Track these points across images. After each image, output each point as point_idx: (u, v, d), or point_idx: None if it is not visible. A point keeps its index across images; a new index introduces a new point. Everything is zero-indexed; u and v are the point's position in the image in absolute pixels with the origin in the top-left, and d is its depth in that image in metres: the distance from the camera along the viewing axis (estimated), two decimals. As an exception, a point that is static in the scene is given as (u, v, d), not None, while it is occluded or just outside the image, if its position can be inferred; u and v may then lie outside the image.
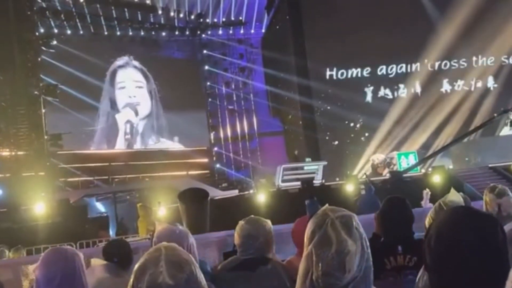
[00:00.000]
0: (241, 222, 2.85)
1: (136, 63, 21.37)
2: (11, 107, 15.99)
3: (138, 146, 21.18)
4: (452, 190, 3.06)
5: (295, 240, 3.07)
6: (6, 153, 15.95)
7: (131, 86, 21.26)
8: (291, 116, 21.98)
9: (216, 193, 14.55)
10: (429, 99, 20.12)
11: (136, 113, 20.80)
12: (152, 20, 22.03)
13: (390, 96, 20.57)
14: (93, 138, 20.42)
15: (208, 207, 4.64)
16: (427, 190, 7.12)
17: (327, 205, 1.71)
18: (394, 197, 3.06)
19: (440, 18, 19.69)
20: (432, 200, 7.11)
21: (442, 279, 1.34)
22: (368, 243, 1.67)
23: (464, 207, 1.43)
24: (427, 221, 3.00)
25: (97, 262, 3.00)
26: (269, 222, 2.90)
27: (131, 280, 1.50)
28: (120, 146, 20.63)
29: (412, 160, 15.82)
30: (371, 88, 20.56)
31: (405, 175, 14.24)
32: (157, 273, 1.44)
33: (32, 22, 16.96)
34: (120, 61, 21.16)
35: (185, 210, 4.33)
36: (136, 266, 1.52)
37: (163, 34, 22.40)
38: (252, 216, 2.94)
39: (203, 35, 23.20)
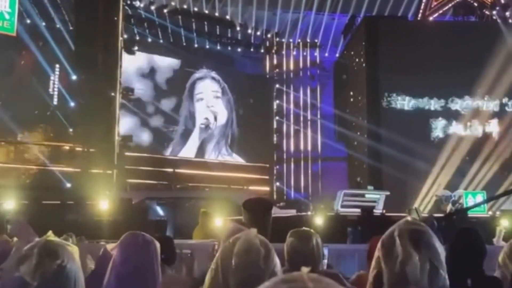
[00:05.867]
0: (288, 239, 2.80)
1: (213, 73, 21.93)
2: (88, 106, 16.78)
3: (209, 152, 21.53)
4: (530, 228, 2.92)
5: (370, 257, 2.97)
6: (79, 149, 16.73)
7: (210, 97, 21.83)
8: (357, 142, 21.71)
9: (274, 211, 14.53)
10: (504, 138, 19.34)
11: (215, 119, 21.28)
12: (229, 35, 22.57)
13: (462, 133, 19.91)
14: (165, 143, 20.96)
15: (271, 219, 4.65)
16: (501, 227, 6.81)
17: (408, 218, 1.71)
18: (468, 229, 2.97)
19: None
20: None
21: None
22: (444, 264, 1.64)
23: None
24: (500, 258, 2.88)
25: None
26: (317, 236, 2.84)
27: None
28: (193, 143, 21.01)
29: (480, 200, 15.17)
30: (443, 122, 19.99)
31: (470, 215, 13.68)
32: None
33: (117, 28, 17.80)
34: (198, 74, 21.79)
35: (249, 218, 4.36)
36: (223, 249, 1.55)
37: (239, 49, 22.86)
38: (299, 230, 2.88)
39: (278, 54, 23.49)
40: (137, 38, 20.75)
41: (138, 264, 2.15)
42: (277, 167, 22.92)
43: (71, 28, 18.00)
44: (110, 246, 2.28)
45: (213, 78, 22.02)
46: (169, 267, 3.02)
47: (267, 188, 21.58)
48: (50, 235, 1.63)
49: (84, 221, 12.64)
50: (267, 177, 21.99)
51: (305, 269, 0.75)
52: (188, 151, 21.11)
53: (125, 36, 19.04)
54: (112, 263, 2.18)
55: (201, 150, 21.33)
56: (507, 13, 21.64)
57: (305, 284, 0.72)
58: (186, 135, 21.20)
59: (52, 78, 18.12)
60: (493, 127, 19.95)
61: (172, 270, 3.77)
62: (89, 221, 12.55)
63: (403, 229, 1.64)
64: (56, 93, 18.13)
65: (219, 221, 12.72)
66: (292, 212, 15.92)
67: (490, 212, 15.48)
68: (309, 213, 15.18)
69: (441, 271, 1.60)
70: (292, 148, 23.15)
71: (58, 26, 18.65)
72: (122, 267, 2.13)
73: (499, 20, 21.19)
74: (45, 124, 18.14)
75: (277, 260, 1.54)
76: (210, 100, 21.77)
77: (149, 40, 21.10)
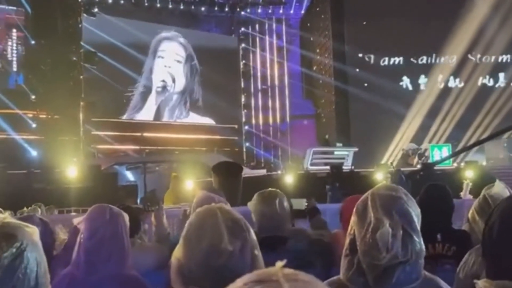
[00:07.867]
0: (253, 202, 2.78)
1: (182, 39, 21.41)
2: (50, 72, 16.26)
3: (166, 118, 21.24)
4: (497, 182, 2.98)
5: (343, 217, 2.97)
6: (43, 116, 16.29)
7: (170, 58, 21.34)
8: (324, 100, 21.79)
9: (244, 171, 14.58)
10: (468, 91, 19.69)
11: (173, 81, 20.88)
12: (192, -6, 22.01)
13: (427, 87, 20.16)
14: (127, 106, 20.52)
15: (241, 182, 4.66)
16: (468, 181, 6.97)
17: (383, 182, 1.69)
18: (436, 184, 3.01)
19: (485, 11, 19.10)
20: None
21: (506, 266, 1.30)
22: (417, 227, 1.63)
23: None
24: (470, 214, 2.94)
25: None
26: (281, 195, 2.83)
27: (182, 246, 1.42)
28: (150, 105, 20.62)
29: (445, 153, 15.53)
30: (409, 77, 20.19)
31: (436, 168, 14.00)
32: (217, 238, 1.38)
33: (75, -11, 17.14)
34: (166, 33, 21.23)
35: (219, 182, 4.35)
36: (190, 230, 1.45)
37: (202, 9, 22.36)
38: (264, 191, 2.84)
39: (242, 13, 23.08)
40: (97, -1, 20.04)
41: (105, 238, 2.11)
42: (246, 127, 22.89)
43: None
44: (77, 220, 2.23)
45: (181, 43, 21.54)
46: (133, 237, 2.95)
47: (236, 149, 21.60)
48: (7, 217, 1.45)
49: (52, 189, 12.43)
50: (236, 138, 21.97)
51: (280, 264, 0.70)
52: (146, 115, 20.73)
53: (84, -3, 18.38)
54: (80, 238, 2.14)
55: (158, 114, 20.99)
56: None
57: (280, 286, 0.68)
58: (144, 97, 20.76)
59: (10, 43, 17.42)
60: (455, 81, 20.27)
61: (144, 235, 3.69)
62: (57, 189, 12.35)
63: (376, 195, 1.62)
64: (15, 59, 17.47)
65: (190, 184, 12.75)
66: (263, 171, 16.05)
67: (455, 164, 15.88)
68: (279, 172, 15.33)
69: (415, 237, 1.58)
70: (260, 107, 23.08)
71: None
72: (89, 241, 2.10)
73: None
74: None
75: (251, 237, 1.45)
76: (169, 61, 21.28)
77: (110, 1, 20.41)
